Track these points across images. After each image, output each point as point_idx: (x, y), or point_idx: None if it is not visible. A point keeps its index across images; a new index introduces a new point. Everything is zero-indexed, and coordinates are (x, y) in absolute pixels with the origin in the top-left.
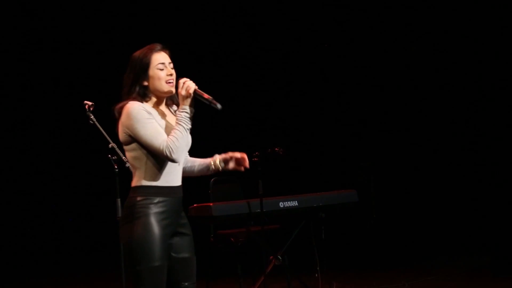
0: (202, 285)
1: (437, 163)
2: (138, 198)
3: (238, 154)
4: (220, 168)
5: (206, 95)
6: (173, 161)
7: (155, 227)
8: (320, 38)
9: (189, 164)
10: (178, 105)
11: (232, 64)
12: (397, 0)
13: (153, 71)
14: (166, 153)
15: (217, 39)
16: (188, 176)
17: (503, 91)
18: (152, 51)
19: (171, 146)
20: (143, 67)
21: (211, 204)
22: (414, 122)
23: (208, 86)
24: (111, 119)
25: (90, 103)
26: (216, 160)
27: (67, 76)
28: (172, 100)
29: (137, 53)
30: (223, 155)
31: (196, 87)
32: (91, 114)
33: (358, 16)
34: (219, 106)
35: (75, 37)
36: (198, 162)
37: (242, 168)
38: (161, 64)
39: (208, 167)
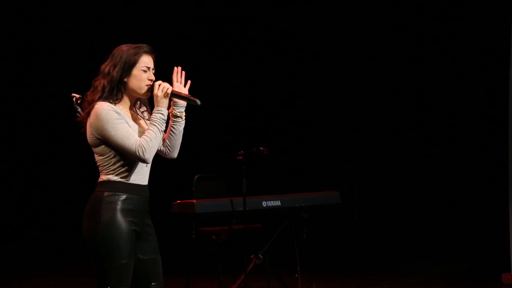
0: (182, 282)
1: (419, 168)
2: (106, 194)
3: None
4: (178, 112)
5: (183, 93)
6: (144, 161)
7: (122, 223)
8: (305, 37)
9: (167, 141)
10: (147, 107)
11: (217, 62)
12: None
13: (137, 70)
14: (138, 152)
15: (201, 37)
16: (178, 146)
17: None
18: (141, 50)
19: (144, 145)
20: (130, 64)
21: (194, 201)
22: (399, 126)
23: (193, 84)
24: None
25: (78, 95)
26: (171, 110)
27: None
28: (142, 102)
29: (125, 48)
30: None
31: (173, 88)
32: (78, 107)
33: (346, 16)
34: (198, 102)
35: (62, 29)
36: (168, 129)
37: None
38: (146, 67)
39: (172, 121)
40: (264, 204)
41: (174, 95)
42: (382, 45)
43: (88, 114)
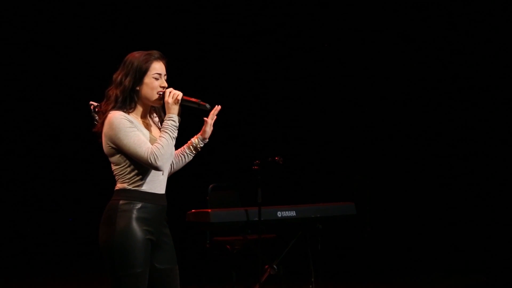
0: None
1: (434, 178)
2: (121, 202)
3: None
4: (198, 145)
5: (193, 99)
6: (157, 168)
7: (137, 232)
8: (322, 47)
9: (173, 161)
10: (160, 116)
11: (233, 71)
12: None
13: (149, 78)
14: (150, 160)
15: (215, 46)
16: (178, 169)
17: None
18: (152, 58)
19: (156, 153)
20: (141, 72)
21: (209, 210)
22: (414, 137)
23: (209, 93)
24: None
25: (96, 103)
26: (194, 140)
27: (73, 77)
28: (155, 111)
29: (135, 56)
30: (200, 134)
31: (182, 94)
32: (96, 115)
33: (357, 20)
34: (208, 106)
35: (82, 36)
36: (179, 152)
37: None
38: (157, 74)
39: (189, 150)
40: (279, 214)
41: (185, 101)
42: (403, 57)
43: (103, 124)
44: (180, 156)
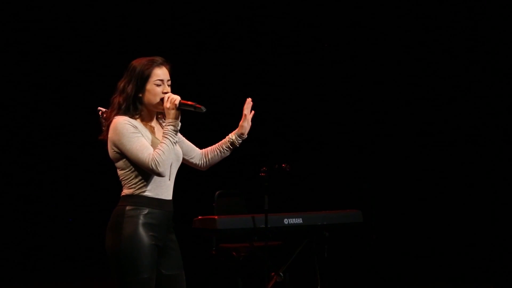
0: None
1: (440, 186)
2: (128, 208)
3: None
4: (236, 142)
5: (189, 102)
6: (159, 174)
7: (144, 238)
8: (329, 52)
9: (209, 156)
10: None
11: (240, 77)
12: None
13: (150, 85)
14: (152, 166)
15: (222, 50)
16: (215, 163)
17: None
18: (153, 64)
19: (157, 159)
20: (142, 79)
21: (216, 217)
22: (420, 144)
23: (215, 98)
24: None
25: (104, 109)
26: (231, 136)
27: (81, 81)
28: (162, 115)
29: (137, 63)
30: (237, 130)
31: (180, 98)
32: (104, 121)
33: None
34: (203, 108)
35: (90, 41)
36: (216, 146)
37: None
38: (159, 80)
39: (226, 145)
40: (285, 221)
41: (182, 105)
42: (413, 65)
43: (107, 130)
44: (216, 151)
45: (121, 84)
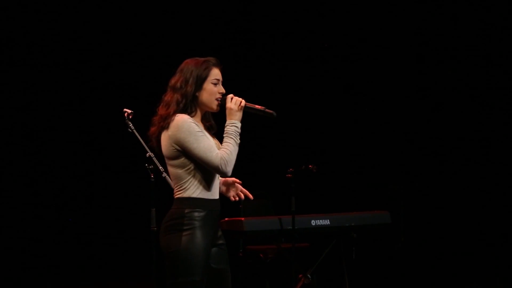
0: None
1: (469, 187)
2: (186, 210)
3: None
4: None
5: (258, 106)
6: (225, 174)
7: (201, 240)
8: (359, 54)
9: None
10: (209, 121)
11: (265, 79)
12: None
13: (208, 84)
14: (221, 166)
15: (247, 52)
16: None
17: None
18: (210, 64)
19: (225, 158)
20: (201, 78)
21: (243, 218)
22: (449, 145)
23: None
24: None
25: (129, 111)
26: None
27: (107, 83)
28: (205, 116)
29: (193, 62)
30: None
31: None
32: (130, 122)
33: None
34: (274, 114)
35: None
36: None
37: (237, 198)
38: (216, 80)
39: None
40: (313, 223)
41: (249, 108)
42: (437, 68)
43: (163, 128)
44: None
45: (177, 83)
